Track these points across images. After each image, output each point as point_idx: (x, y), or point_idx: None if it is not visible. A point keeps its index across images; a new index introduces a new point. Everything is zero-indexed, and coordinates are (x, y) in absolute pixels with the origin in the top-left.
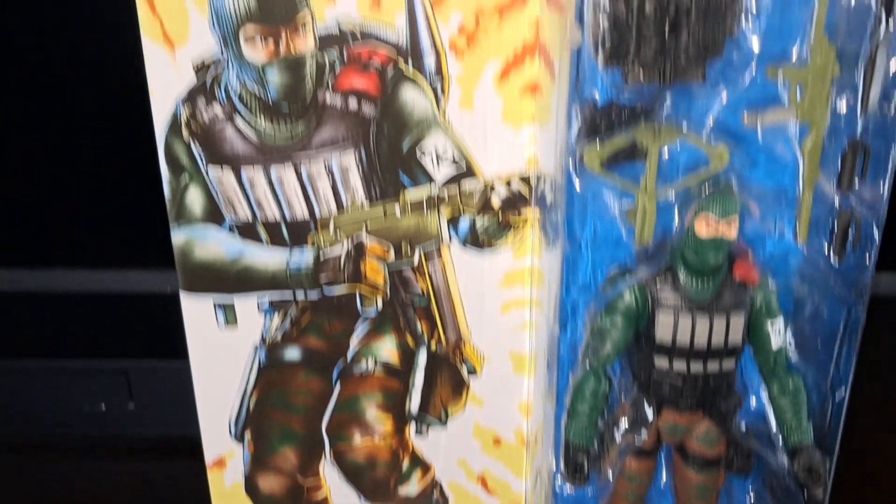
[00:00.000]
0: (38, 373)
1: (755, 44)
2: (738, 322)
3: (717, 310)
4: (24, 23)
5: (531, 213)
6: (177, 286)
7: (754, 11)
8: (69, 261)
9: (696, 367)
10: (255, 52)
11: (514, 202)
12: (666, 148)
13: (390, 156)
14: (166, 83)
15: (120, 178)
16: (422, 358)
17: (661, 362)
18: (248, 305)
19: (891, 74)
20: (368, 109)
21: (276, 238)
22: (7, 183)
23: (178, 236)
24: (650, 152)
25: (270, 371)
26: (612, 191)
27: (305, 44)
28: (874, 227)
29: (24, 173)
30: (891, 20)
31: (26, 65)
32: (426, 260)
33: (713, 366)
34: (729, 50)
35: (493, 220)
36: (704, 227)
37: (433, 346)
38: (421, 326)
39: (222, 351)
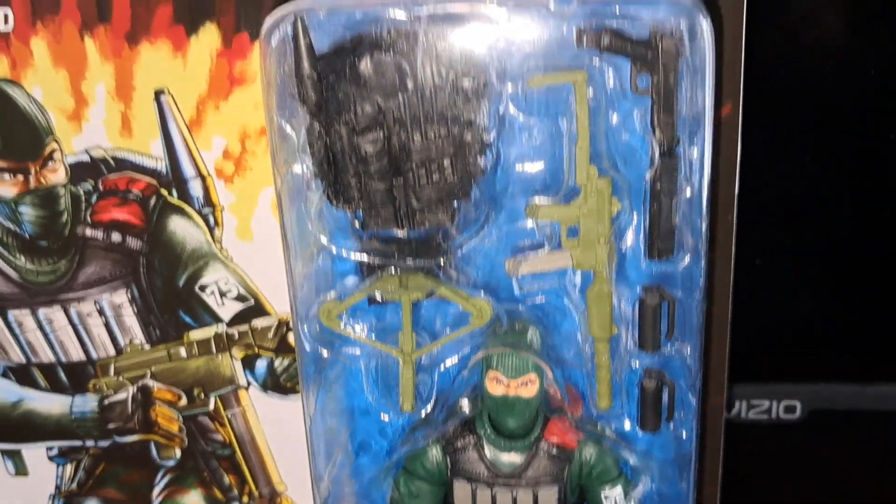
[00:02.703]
0: None
1: (515, 179)
2: (548, 497)
3: (522, 483)
4: None
5: None
6: None
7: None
8: None
9: None
10: (4, 187)
11: None
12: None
13: (166, 293)
14: None
15: None
16: None
17: None
18: (37, 454)
19: (677, 211)
20: (134, 243)
21: (54, 382)
22: None
23: None
24: (402, 307)
25: None
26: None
27: (56, 175)
28: (689, 393)
29: None
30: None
31: None
32: (223, 406)
33: None
34: (489, 185)
35: (293, 361)
36: (494, 387)
37: (246, 501)
38: (228, 479)
39: (18, 501)
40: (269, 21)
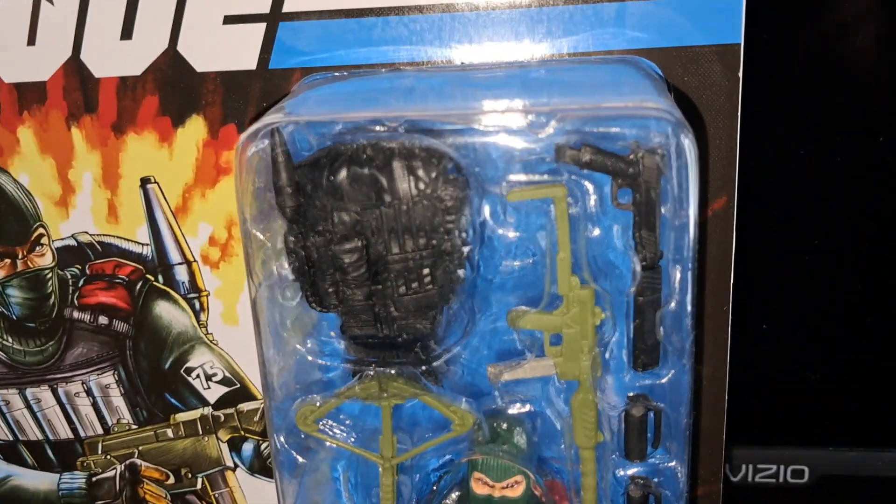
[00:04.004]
0: None
1: (497, 288)
2: None
3: None
4: None
5: None
6: None
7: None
8: None
9: None
10: None
11: None
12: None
13: (152, 375)
14: None
15: None
16: None
17: None
18: None
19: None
20: (121, 326)
21: (41, 460)
22: None
23: None
24: (382, 412)
25: None
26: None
27: (43, 259)
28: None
29: None
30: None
31: None
32: (211, 486)
33: None
34: (468, 294)
35: None
36: (480, 487)
37: None
38: None
39: None
40: (245, 134)
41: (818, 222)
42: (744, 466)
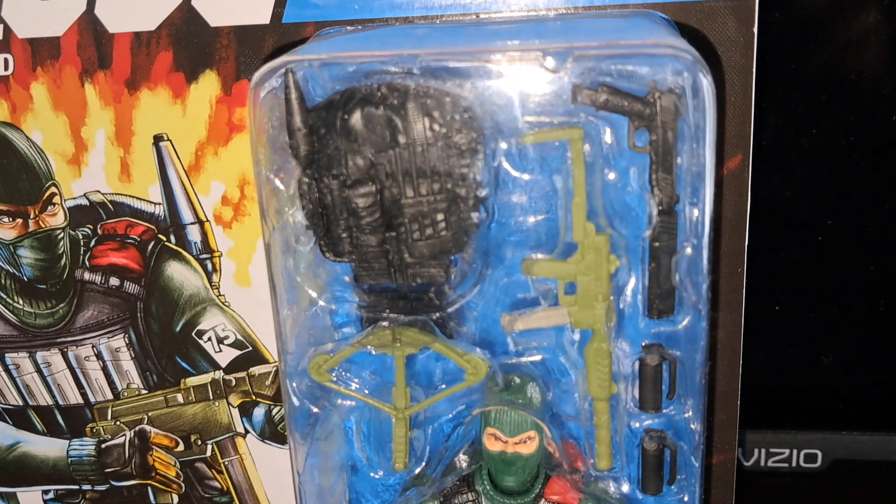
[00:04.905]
0: None
1: (512, 234)
2: None
3: None
4: None
5: None
6: None
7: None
8: None
9: None
10: (3, 230)
11: None
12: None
13: (163, 338)
14: None
15: None
16: None
17: None
18: (32, 498)
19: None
20: (132, 287)
21: (51, 426)
22: None
23: None
24: (395, 362)
25: None
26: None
27: (55, 219)
28: (693, 456)
29: None
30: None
31: None
32: (221, 453)
33: None
34: (482, 239)
35: None
36: (493, 443)
37: None
38: None
39: None
40: (258, 74)
41: (836, 202)
42: (756, 451)
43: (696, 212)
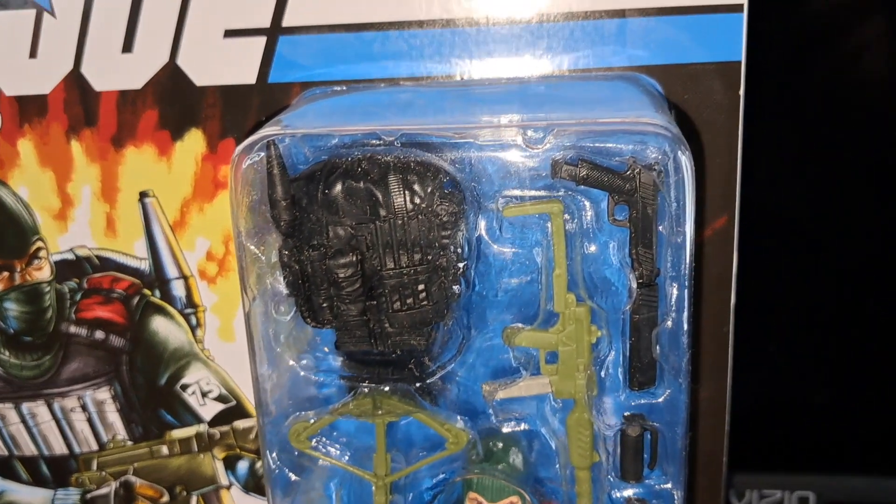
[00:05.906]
0: None
1: (493, 303)
2: None
3: None
4: None
5: None
6: None
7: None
8: None
9: None
10: None
11: None
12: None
13: (148, 391)
14: None
15: None
16: None
17: None
18: None
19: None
20: (117, 341)
21: (36, 475)
22: None
23: None
24: (376, 429)
25: None
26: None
27: (41, 273)
28: None
29: None
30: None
31: None
32: None
33: None
34: (463, 309)
35: None
36: None
37: None
38: None
39: None
40: (239, 147)
41: (822, 243)
42: (748, 492)
43: (675, 287)
